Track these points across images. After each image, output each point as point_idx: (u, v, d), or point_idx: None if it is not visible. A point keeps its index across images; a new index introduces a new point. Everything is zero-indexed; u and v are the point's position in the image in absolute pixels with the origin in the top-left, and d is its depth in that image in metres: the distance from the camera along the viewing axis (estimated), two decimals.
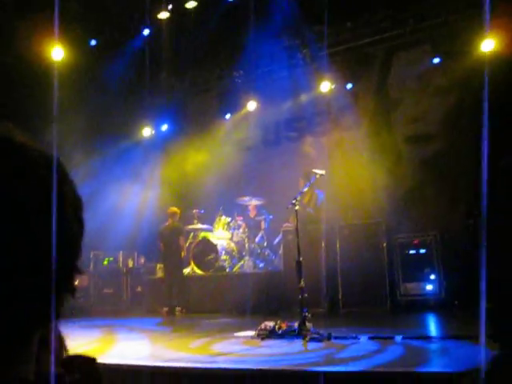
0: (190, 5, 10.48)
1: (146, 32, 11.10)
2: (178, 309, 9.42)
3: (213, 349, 5.26)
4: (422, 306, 7.93)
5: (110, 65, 10.95)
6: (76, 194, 0.80)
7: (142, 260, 11.73)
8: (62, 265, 0.75)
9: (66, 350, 0.95)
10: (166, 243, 9.79)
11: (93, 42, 11.30)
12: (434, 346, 4.84)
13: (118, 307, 10.57)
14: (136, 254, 11.69)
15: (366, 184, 9.46)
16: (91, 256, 11.29)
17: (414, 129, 9.97)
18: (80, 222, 0.80)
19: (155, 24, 10.88)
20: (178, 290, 9.58)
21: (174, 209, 10.02)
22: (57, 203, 0.72)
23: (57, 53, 9.61)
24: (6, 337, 0.71)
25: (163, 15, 10.77)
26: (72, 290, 0.80)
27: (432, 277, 8.06)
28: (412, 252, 8.22)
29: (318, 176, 6.47)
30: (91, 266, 11.27)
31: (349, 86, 10.69)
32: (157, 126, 12.82)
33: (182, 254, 9.95)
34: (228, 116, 12.24)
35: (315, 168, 6.68)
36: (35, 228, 0.70)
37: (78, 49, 10.37)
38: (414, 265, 8.16)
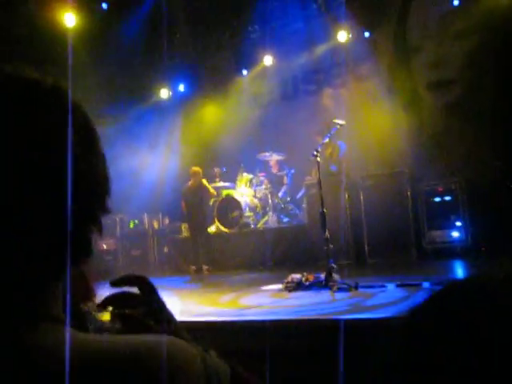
0: None
1: None
2: (205, 267, 9.51)
3: (241, 302, 5.32)
4: (448, 253, 7.90)
5: (122, 28, 10.82)
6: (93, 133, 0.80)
7: (167, 221, 11.84)
8: (88, 203, 0.75)
9: (93, 291, 0.98)
10: (190, 203, 9.83)
11: (104, 6, 11.15)
12: None
13: (146, 268, 10.72)
14: (161, 215, 11.80)
15: (388, 133, 9.33)
16: (117, 220, 11.42)
17: (435, 74, 9.74)
18: (100, 159, 0.79)
19: None
20: (204, 248, 9.67)
21: (196, 168, 10.01)
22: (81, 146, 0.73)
23: (69, 19, 9.54)
24: (34, 274, 0.71)
25: None
26: (99, 229, 0.80)
27: (458, 223, 8.00)
28: (437, 199, 8.15)
29: (338, 126, 6.38)
30: (117, 230, 11.41)
31: (366, 34, 10.44)
32: (174, 87, 12.74)
33: (206, 212, 10.00)
34: (245, 72, 12.10)
35: (335, 119, 6.58)
36: (56, 163, 0.70)
37: (89, 14, 10.26)
38: (440, 212, 8.10)
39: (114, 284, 0.98)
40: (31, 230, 0.69)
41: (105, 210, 0.80)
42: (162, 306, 0.99)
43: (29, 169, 0.68)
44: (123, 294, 0.99)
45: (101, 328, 0.97)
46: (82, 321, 0.95)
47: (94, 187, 0.77)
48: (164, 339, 0.73)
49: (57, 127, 0.71)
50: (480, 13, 8.71)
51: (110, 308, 0.97)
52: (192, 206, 9.81)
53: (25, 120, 0.70)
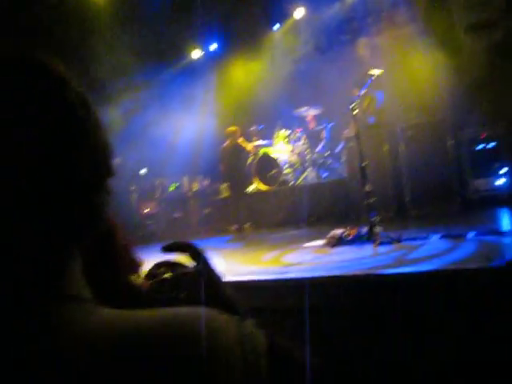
0: None
1: None
2: (246, 226, 9.57)
3: (284, 260, 5.33)
4: (493, 201, 7.70)
5: None
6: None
7: (207, 182, 11.90)
8: (88, 170, 0.74)
9: (137, 262, 0.97)
10: (228, 163, 9.84)
11: None
12: (507, 240, 4.71)
13: (188, 230, 10.85)
14: (200, 177, 11.86)
15: (427, 81, 9.03)
16: (157, 183, 11.54)
17: (475, 15, 9.33)
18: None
19: None
20: (245, 208, 9.70)
21: (232, 128, 9.98)
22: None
23: None
24: (42, 250, 0.70)
25: None
26: (108, 192, 0.79)
27: (503, 171, 7.78)
28: (480, 147, 7.93)
29: (374, 77, 6.21)
30: (158, 194, 11.54)
31: None
32: (205, 47, 12.62)
33: (244, 171, 10.01)
34: (276, 27, 11.86)
35: (371, 69, 6.39)
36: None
37: None
38: (484, 160, 7.88)
39: (165, 249, 0.98)
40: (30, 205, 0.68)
41: (109, 173, 0.79)
42: (211, 272, 0.98)
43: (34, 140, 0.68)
44: (174, 262, 1.00)
45: (153, 300, 0.96)
46: (131, 295, 0.95)
47: (92, 154, 0.75)
48: (199, 312, 0.71)
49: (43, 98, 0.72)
50: None
51: (164, 275, 0.96)
52: (230, 166, 9.82)
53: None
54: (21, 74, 0.71)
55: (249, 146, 10.17)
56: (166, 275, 0.97)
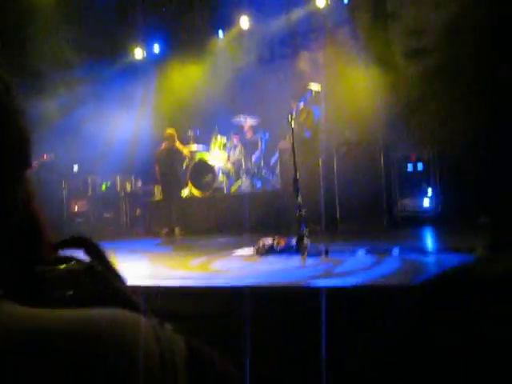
0: None
1: None
2: (177, 230, 9.49)
3: (212, 267, 5.32)
4: (419, 221, 7.99)
5: None
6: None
7: (140, 183, 11.74)
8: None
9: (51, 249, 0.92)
10: (163, 165, 9.75)
11: None
12: (429, 259, 4.89)
13: (118, 230, 10.66)
14: (133, 178, 11.69)
15: (364, 100, 9.29)
16: (89, 181, 11.30)
17: (412, 42, 9.69)
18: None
19: None
20: (177, 212, 9.63)
21: (170, 131, 9.89)
22: None
23: None
24: None
25: None
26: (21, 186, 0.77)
27: (429, 192, 8.08)
28: (409, 168, 8.21)
29: (313, 92, 6.32)
30: (90, 192, 11.30)
31: (345, 0, 10.33)
32: (148, 47, 12.48)
33: (179, 175, 9.95)
34: (221, 33, 11.88)
35: (311, 83, 6.50)
36: None
37: None
38: (412, 181, 8.17)
39: (56, 246, 0.93)
40: None
41: (26, 164, 0.77)
42: (108, 269, 0.94)
43: None
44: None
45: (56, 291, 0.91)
46: (36, 287, 0.90)
47: (10, 142, 0.73)
48: (111, 313, 0.69)
49: None
50: None
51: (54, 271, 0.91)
52: (165, 168, 9.73)
53: None
54: None
55: (185, 150, 10.11)
56: (56, 271, 0.92)
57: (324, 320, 3.12)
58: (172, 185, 9.76)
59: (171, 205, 9.65)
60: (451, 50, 8.97)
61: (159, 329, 0.72)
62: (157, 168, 9.88)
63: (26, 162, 0.77)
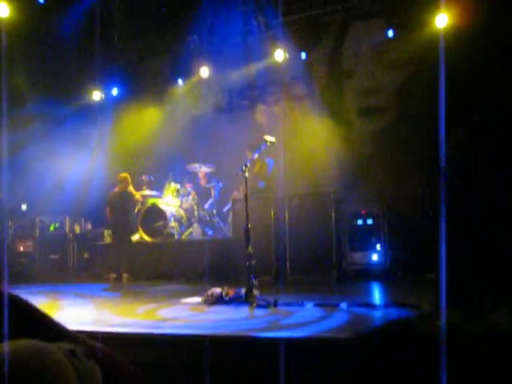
0: None
1: None
2: (125, 275, 9.32)
3: (159, 314, 5.23)
4: (367, 275, 8.09)
5: (58, 24, 10.51)
6: None
7: (89, 226, 11.54)
8: None
9: None
10: (115, 209, 9.64)
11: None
12: (377, 313, 4.93)
13: (65, 273, 10.40)
14: (83, 220, 11.48)
15: (317, 154, 9.50)
16: (36, 221, 11.05)
17: (366, 101, 10.03)
18: None
19: None
20: (126, 257, 9.48)
21: (124, 174, 9.84)
22: None
23: (2, 9, 9.21)
24: None
25: None
26: None
27: (378, 247, 8.21)
28: (359, 222, 8.35)
29: (268, 143, 6.41)
30: (37, 232, 11.04)
31: (303, 55, 10.62)
32: (107, 90, 12.48)
33: (130, 220, 9.84)
34: (180, 81, 12.00)
35: (266, 135, 6.60)
36: None
37: (24, 6, 9.91)
38: (361, 235, 8.30)
39: None
40: None
41: None
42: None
43: None
44: None
45: None
46: None
47: None
48: (23, 344, 0.68)
49: None
50: (413, 45, 9.03)
51: None
52: (117, 212, 9.63)
53: None
54: None
55: (137, 195, 10.04)
56: None
57: (267, 371, 3.09)
58: (123, 229, 9.64)
59: (121, 249, 9.50)
60: (403, 109, 9.31)
61: (78, 360, 0.71)
62: (108, 211, 9.76)
63: None
